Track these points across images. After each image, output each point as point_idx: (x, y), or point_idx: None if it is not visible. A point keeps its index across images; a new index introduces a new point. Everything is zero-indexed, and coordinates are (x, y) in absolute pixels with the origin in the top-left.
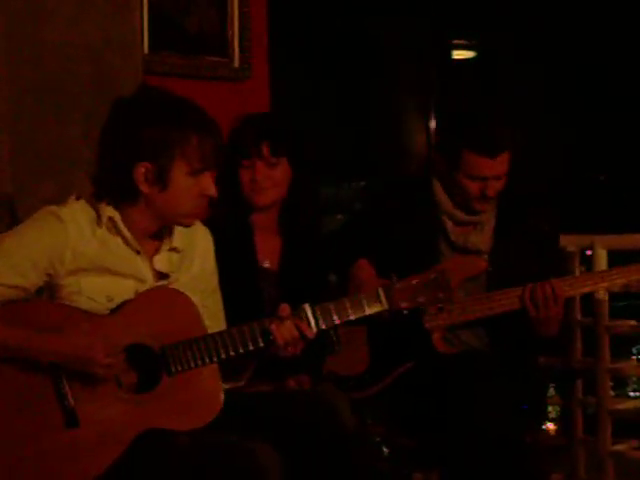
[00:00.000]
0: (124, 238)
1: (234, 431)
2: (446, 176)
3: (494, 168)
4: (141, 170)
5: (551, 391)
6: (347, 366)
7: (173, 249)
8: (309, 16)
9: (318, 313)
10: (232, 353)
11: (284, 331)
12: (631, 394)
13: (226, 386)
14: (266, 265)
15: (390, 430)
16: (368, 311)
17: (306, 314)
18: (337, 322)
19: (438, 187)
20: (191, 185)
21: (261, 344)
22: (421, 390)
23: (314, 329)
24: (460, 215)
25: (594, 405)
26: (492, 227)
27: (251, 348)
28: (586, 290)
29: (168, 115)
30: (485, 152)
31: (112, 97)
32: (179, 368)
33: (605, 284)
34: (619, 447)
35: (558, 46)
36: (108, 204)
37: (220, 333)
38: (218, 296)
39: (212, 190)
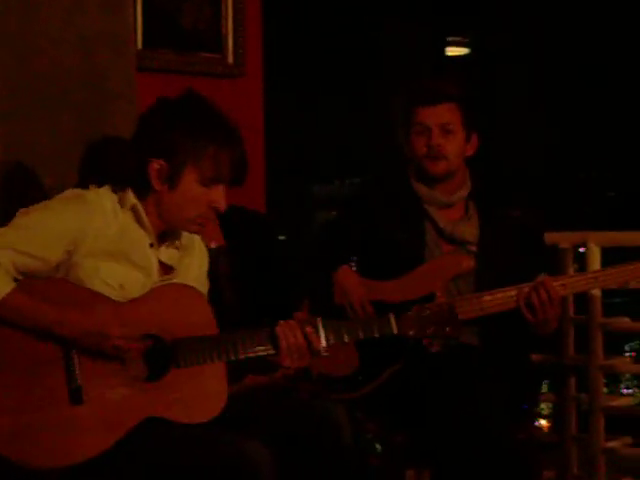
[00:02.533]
0: (144, 228)
1: (229, 430)
2: (409, 152)
3: (436, 115)
4: (155, 166)
5: (544, 388)
6: (337, 367)
7: (174, 245)
8: (304, 13)
9: (329, 329)
10: (241, 356)
11: (290, 335)
12: (624, 391)
13: None
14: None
15: (383, 427)
16: (377, 334)
17: (317, 327)
18: (346, 341)
19: (412, 174)
20: (200, 193)
21: (271, 350)
22: (413, 387)
23: (323, 343)
24: (437, 195)
25: (587, 402)
26: (477, 219)
27: (259, 353)
28: (581, 290)
29: (192, 122)
30: (425, 101)
31: (104, 93)
32: (188, 362)
33: (600, 284)
34: (612, 444)
35: (551, 44)
36: (132, 192)
37: (231, 334)
38: None
39: (221, 203)
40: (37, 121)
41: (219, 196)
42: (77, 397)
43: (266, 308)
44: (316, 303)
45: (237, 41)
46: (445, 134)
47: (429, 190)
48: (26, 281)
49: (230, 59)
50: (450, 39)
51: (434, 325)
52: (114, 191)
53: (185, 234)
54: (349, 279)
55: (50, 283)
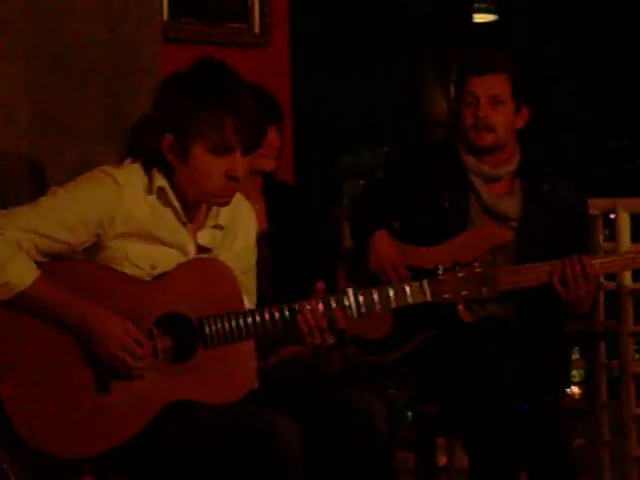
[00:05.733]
0: (173, 208)
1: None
2: (459, 123)
3: (486, 86)
4: (166, 141)
5: (575, 355)
6: (370, 329)
7: (217, 226)
8: None
9: (361, 299)
10: (265, 331)
11: (310, 319)
12: None
13: None
14: None
15: (414, 396)
16: (411, 301)
17: (348, 299)
18: (378, 309)
19: (461, 144)
20: (213, 164)
21: (288, 325)
22: (445, 356)
23: (355, 314)
24: (484, 167)
25: (618, 368)
26: (521, 195)
27: (279, 329)
28: (617, 270)
29: (191, 90)
30: (476, 71)
31: (131, 65)
32: (215, 341)
33: (637, 265)
34: None
35: (578, 12)
36: (159, 172)
37: (257, 310)
38: (254, 274)
39: (237, 171)
40: (63, 95)
41: (234, 164)
42: (103, 384)
43: (303, 288)
44: (353, 269)
45: (263, 11)
46: (494, 105)
47: (476, 162)
48: (49, 266)
49: (256, 29)
50: (477, 5)
51: (469, 287)
52: (145, 170)
53: (228, 210)
54: (383, 244)
55: (73, 266)
